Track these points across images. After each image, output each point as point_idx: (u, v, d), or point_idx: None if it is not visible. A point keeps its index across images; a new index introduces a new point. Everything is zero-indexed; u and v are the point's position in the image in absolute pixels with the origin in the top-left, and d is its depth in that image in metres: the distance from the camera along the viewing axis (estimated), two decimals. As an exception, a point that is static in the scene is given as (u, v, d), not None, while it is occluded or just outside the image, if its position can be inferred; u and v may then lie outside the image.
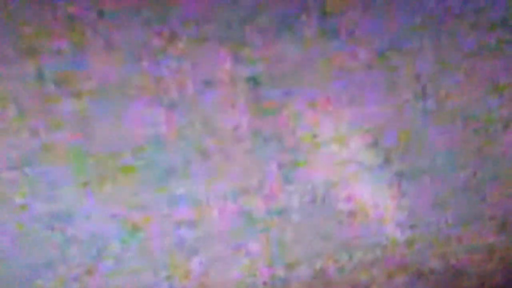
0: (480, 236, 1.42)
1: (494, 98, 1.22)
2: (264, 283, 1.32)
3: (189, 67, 1.05)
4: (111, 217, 1.09)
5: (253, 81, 1.11)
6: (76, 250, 1.05)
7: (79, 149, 1.05)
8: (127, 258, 1.15)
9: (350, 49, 1.13)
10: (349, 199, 1.28)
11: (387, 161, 1.24)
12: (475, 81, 1.20)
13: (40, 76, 0.99)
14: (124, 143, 1.10)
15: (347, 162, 1.23)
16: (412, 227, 1.36)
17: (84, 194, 1.08)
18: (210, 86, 1.08)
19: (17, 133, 1.00)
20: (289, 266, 1.31)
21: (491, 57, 1.18)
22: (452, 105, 1.21)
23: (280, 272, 1.31)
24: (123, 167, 1.11)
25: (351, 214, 1.30)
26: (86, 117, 1.04)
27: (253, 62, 1.07)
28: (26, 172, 1.03)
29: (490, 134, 1.24)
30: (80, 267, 1.07)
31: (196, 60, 1.05)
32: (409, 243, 1.39)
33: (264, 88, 1.12)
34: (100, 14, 0.99)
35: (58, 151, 1.05)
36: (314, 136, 1.18)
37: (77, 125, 1.05)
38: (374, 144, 1.21)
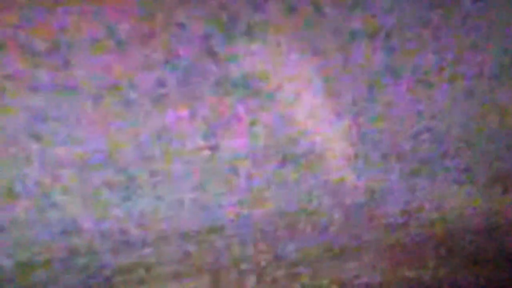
0: (432, 186, 1.54)
1: (447, 54, 1.31)
2: (231, 221, 1.42)
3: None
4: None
5: (220, 27, 1.19)
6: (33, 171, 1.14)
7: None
8: (96, 203, 1.24)
9: (315, 3, 1.20)
10: (311, 145, 1.38)
11: (347, 109, 1.33)
12: (430, 37, 1.29)
13: None
14: (98, 78, 1.17)
15: (309, 109, 1.32)
16: (369, 174, 1.47)
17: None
18: (178, 27, 1.15)
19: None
20: (254, 206, 1.41)
21: (449, 12, 1.27)
22: (407, 59, 1.30)
23: (245, 211, 1.41)
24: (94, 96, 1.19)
25: (312, 160, 1.40)
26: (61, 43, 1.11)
27: (222, 8, 1.15)
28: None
29: (440, 86, 1.35)
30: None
31: None
32: (367, 189, 1.50)
33: (230, 35, 1.20)
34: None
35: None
36: (278, 82, 1.26)
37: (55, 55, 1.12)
38: (336, 93, 1.31)
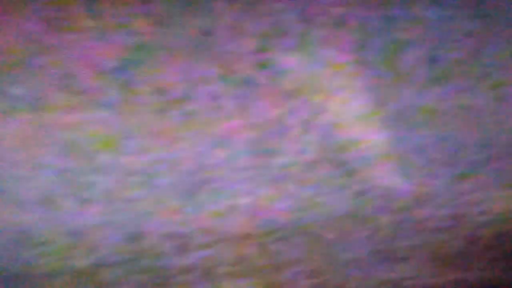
0: (480, 189, 1.57)
1: (490, 62, 1.36)
2: (283, 225, 1.49)
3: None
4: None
5: (272, 41, 1.27)
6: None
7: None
8: (159, 208, 1.34)
9: (362, 15, 1.27)
10: (359, 151, 1.44)
11: (393, 116, 1.39)
12: (473, 46, 1.33)
13: None
14: (160, 93, 1.27)
15: (357, 117, 1.38)
16: (416, 179, 1.51)
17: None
18: (232, 42, 1.24)
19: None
20: (305, 210, 1.48)
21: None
22: (451, 68, 1.35)
23: (294, 215, 1.48)
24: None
25: (360, 166, 1.46)
26: None
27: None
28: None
29: (484, 93, 1.39)
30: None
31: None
32: (414, 194, 1.54)
33: (282, 49, 1.28)
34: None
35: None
36: (327, 95, 1.33)
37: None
38: (382, 101, 1.36)
